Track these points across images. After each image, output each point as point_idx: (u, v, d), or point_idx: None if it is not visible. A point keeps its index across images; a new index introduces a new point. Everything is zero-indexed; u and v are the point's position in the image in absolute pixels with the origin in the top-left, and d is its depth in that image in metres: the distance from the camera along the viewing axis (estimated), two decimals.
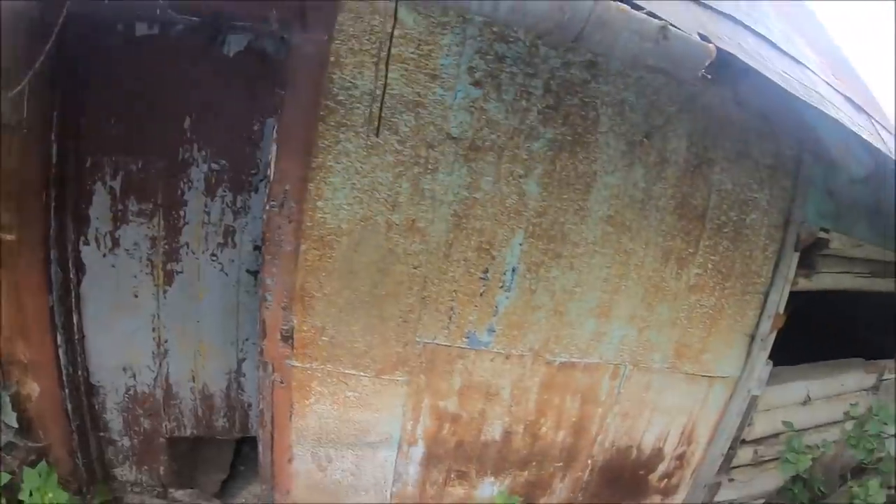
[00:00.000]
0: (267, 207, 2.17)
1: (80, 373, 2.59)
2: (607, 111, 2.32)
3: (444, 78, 2.16)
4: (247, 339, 2.58)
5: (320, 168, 2.13)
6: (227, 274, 2.50)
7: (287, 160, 2.15)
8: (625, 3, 1.66)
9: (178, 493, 2.88)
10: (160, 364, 2.58)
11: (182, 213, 2.44)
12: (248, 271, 2.49)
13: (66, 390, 2.55)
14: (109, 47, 2.37)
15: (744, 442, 3.09)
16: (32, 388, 2.57)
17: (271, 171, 2.17)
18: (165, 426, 2.68)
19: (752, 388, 2.95)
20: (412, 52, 2.13)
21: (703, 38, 1.74)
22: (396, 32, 2.12)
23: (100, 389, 2.64)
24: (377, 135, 2.11)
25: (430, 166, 2.17)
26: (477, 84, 2.19)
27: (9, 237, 2.38)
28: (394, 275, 2.22)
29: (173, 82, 2.41)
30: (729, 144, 2.51)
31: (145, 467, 2.81)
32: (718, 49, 1.73)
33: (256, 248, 2.45)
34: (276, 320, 2.22)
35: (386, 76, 2.08)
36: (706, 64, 1.74)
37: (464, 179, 2.21)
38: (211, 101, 2.41)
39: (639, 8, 1.69)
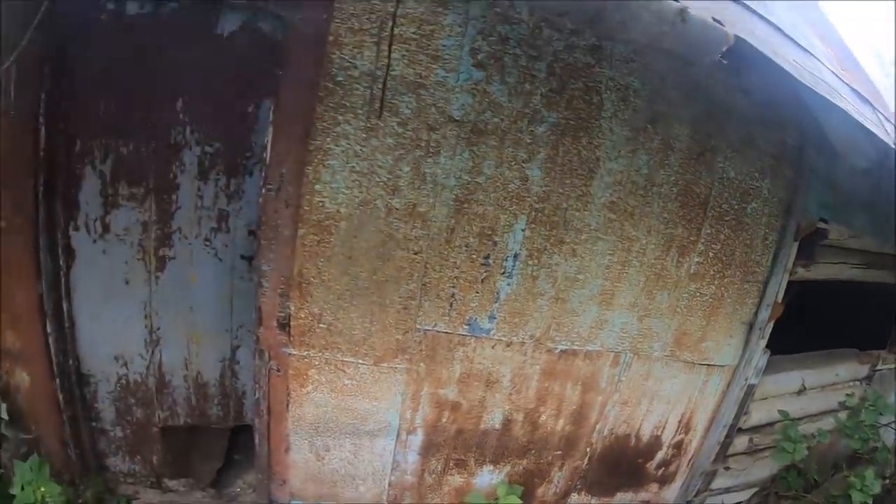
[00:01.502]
0: (263, 191, 2.07)
1: (70, 362, 2.48)
2: (611, 96, 2.24)
3: (446, 59, 2.06)
4: (241, 326, 2.46)
5: (318, 151, 2.03)
6: (220, 259, 2.38)
7: (284, 142, 2.05)
8: None
9: (173, 483, 2.78)
10: (152, 352, 2.47)
11: (174, 197, 2.32)
12: (242, 257, 2.37)
13: (57, 380, 2.44)
14: (99, 26, 2.24)
15: (740, 430, 3.06)
16: (22, 378, 2.47)
17: (268, 154, 2.07)
18: (158, 415, 2.58)
19: (750, 376, 2.91)
20: (413, 33, 2.03)
21: (717, 22, 1.68)
22: (399, 12, 2.04)
23: (91, 379, 2.53)
24: (379, 117, 2.01)
25: (431, 149, 2.08)
26: (480, 66, 2.10)
27: None
28: (394, 260, 2.13)
29: (165, 63, 2.28)
30: (733, 133, 2.44)
31: (138, 457, 2.71)
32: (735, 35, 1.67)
33: (251, 232, 2.34)
34: (273, 307, 2.13)
35: (389, 56, 1.99)
36: (723, 49, 1.67)
37: (466, 163, 2.12)
38: (204, 81, 2.28)
39: None
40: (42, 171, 2.25)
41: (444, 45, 2.06)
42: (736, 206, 2.54)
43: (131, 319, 2.43)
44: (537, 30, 2.13)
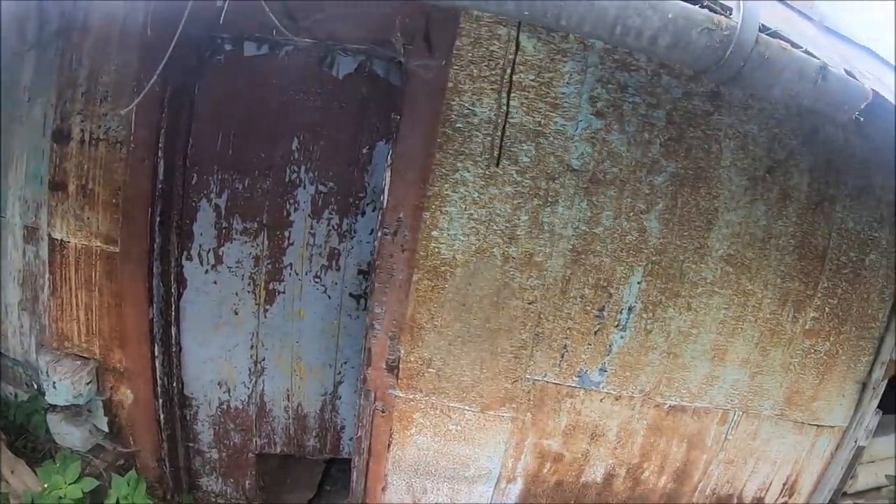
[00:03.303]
0: (379, 234, 2.04)
1: (174, 384, 2.52)
2: (730, 144, 2.11)
3: (565, 107, 1.99)
4: (345, 363, 2.45)
5: (436, 197, 1.99)
6: (329, 296, 2.38)
7: (402, 187, 2.01)
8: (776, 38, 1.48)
9: None
10: (256, 381, 2.48)
11: (287, 233, 2.34)
12: (351, 295, 2.37)
13: (160, 400, 2.48)
14: (218, 66, 2.29)
15: (845, 494, 2.80)
16: (126, 395, 2.52)
17: (385, 198, 2.04)
18: (256, 442, 2.58)
19: (860, 438, 2.67)
20: (532, 80, 1.97)
21: (849, 73, 1.54)
22: (518, 59, 1.99)
23: (193, 401, 2.56)
24: (497, 164, 1.96)
25: (549, 199, 2.00)
26: (599, 114, 2.01)
27: (113, 249, 2.34)
28: (508, 309, 2.05)
29: (281, 103, 2.31)
30: (851, 179, 2.25)
31: (231, 480, 2.72)
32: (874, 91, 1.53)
33: (361, 272, 2.33)
34: (383, 349, 2.09)
35: (508, 104, 1.94)
36: (862, 106, 1.53)
37: (584, 213, 2.03)
38: (319, 122, 2.30)
39: (796, 45, 1.50)
40: (159, 202, 2.31)
41: (564, 93, 1.99)
42: (854, 258, 2.34)
43: (237, 348, 2.45)
44: (655, 77, 2.03)
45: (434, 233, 2.00)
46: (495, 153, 1.98)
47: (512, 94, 1.96)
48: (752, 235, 2.19)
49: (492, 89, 1.97)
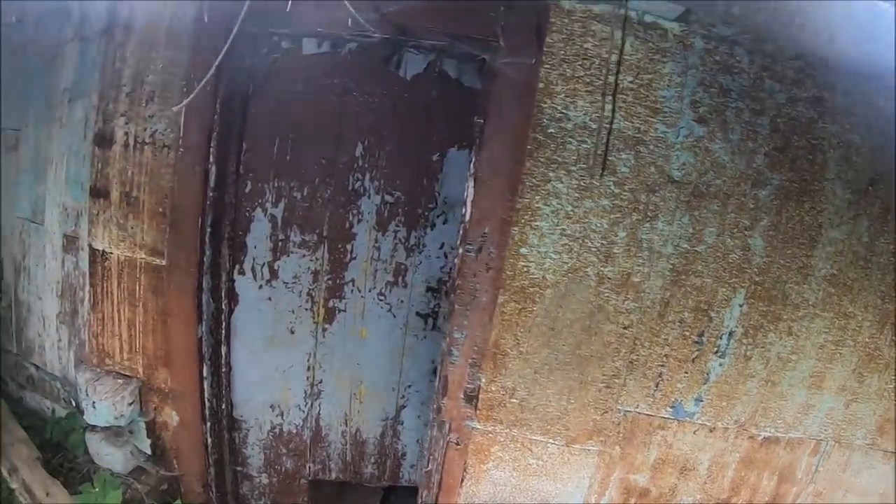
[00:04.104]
0: (461, 251, 1.84)
1: (223, 406, 2.32)
2: (834, 155, 1.92)
3: (665, 112, 1.79)
4: (409, 386, 2.25)
5: (526, 210, 1.79)
6: (394, 315, 2.18)
7: (487, 199, 1.81)
8: None
9: None
10: (311, 404, 2.28)
11: (349, 247, 2.14)
12: (417, 314, 2.18)
13: (207, 423, 2.28)
14: (274, 65, 2.09)
15: None
16: (171, 417, 2.32)
17: (467, 211, 1.84)
18: (309, 468, 2.38)
19: None
20: (630, 82, 1.77)
21: None
22: (613, 58, 1.79)
23: (243, 424, 2.37)
24: (601, 175, 1.76)
25: (649, 213, 1.81)
26: (701, 120, 1.82)
27: (159, 262, 2.14)
28: (601, 334, 1.86)
29: (344, 105, 2.11)
30: None
31: None
32: None
33: (429, 289, 2.13)
34: (461, 378, 1.89)
35: (614, 109, 1.75)
36: None
37: (685, 230, 1.83)
38: (385, 126, 2.10)
39: None
40: (210, 212, 2.10)
41: (664, 97, 1.79)
42: None
43: (293, 369, 2.25)
44: (759, 80, 1.84)
45: (523, 250, 1.80)
46: (594, 162, 1.79)
47: (609, 98, 1.77)
48: (855, 254, 2.00)
49: (587, 91, 1.78)
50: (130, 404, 2.27)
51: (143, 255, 2.16)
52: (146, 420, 2.33)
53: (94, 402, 2.17)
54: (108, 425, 2.22)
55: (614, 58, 1.77)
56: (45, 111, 2.29)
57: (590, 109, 1.78)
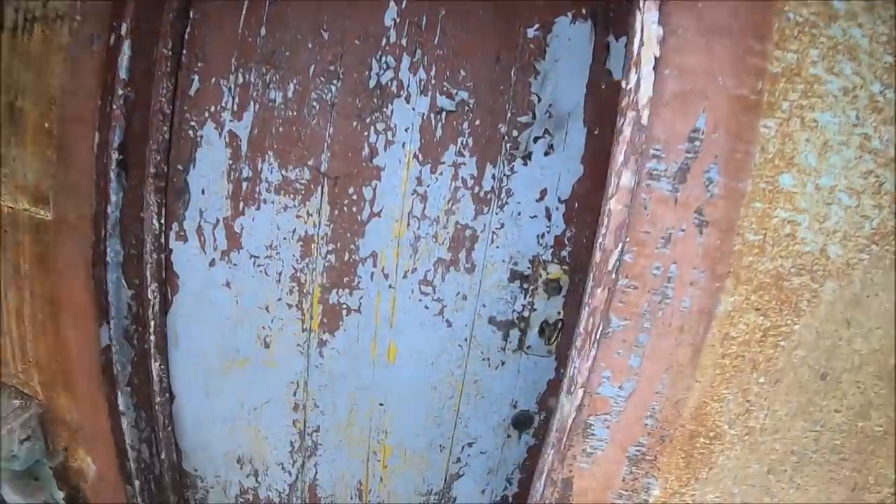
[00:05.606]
0: (633, 188, 0.83)
1: (162, 455, 1.40)
2: None
3: None
4: (470, 444, 1.24)
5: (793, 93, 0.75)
6: (448, 322, 1.13)
7: (703, 76, 0.78)
8: None
9: None
10: (303, 463, 1.33)
11: (369, 193, 1.11)
12: (491, 321, 1.15)
13: (136, 480, 1.38)
14: None
15: None
16: (86, 464, 1.48)
17: (642, 99, 0.82)
18: None
19: None
20: None
21: None
22: None
23: (197, 482, 1.46)
24: None
25: None
26: None
27: (44, 215, 1.26)
28: None
29: None
30: None
31: None
32: None
33: (517, 276, 1.10)
34: (608, 480, 0.91)
35: None
36: None
37: None
38: None
39: None
40: (118, 126, 1.17)
41: None
42: None
43: (268, 406, 1.30)
44: None
45: (784, 190, 0.77)
46: None
47: None
48: None
49: None
50: (24, 441, 1.42)
51: (26, 205, 1.27)
52: (53, 465, 1.48)
53: None
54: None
55: None
56: None
57: None
